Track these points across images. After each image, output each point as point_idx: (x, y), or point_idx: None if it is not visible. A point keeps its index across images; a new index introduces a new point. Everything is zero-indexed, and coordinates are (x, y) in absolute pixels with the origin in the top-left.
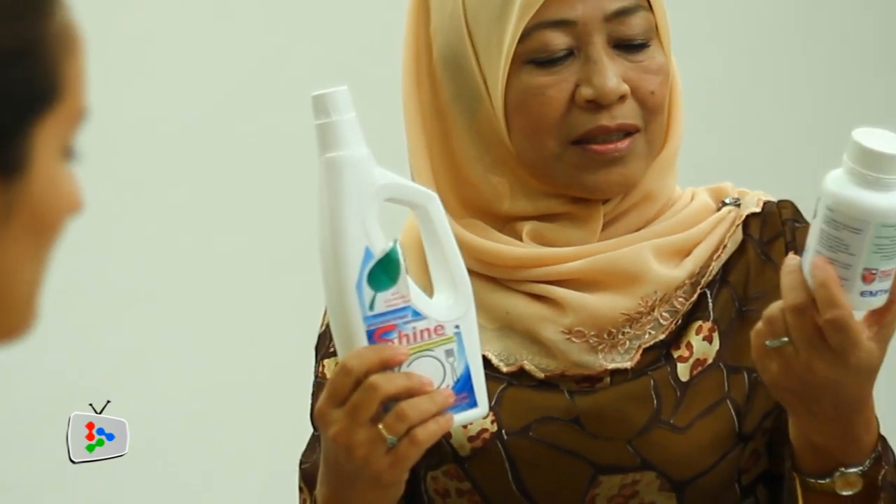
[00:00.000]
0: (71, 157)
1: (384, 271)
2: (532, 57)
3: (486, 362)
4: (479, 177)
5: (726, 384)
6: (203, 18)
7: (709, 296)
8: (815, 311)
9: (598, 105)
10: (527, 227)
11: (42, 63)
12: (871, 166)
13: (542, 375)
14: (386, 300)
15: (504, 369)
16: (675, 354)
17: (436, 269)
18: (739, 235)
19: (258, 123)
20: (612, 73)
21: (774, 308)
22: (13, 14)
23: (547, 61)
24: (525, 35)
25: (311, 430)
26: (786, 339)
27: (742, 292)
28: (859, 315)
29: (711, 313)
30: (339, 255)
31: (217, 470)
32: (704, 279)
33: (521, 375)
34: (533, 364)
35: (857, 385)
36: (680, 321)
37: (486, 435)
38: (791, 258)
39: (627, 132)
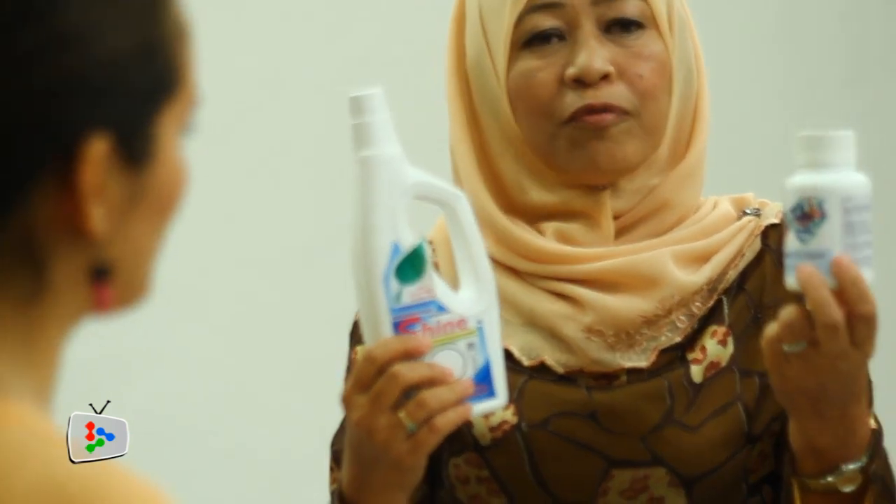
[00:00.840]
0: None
1: (411, 266)
2: (525, 39)
3: (509, 356)
4: (506, 173)
5: (738, 387)
6: (230, 20)
7: (725, 302)
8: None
9: (583, 84)
10: (550, 228)
11: (164, 56)
12: (845, 148)
13: (561, 370)
14: (412, 293)
15: (526, 363)
16: (690, 357)
17: (462, 265)
18: (758, 245)
19: (275, 122)
20: (597, 55)
21: (791, 314)
22: (138, 13)
23: (537, 44)
24: (519, 21)
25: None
26: (804, 343)
27: (758, 299)
28: None
29: (727, 319)
30: (368, 249)
31: (221, 466)
32: (721, 286)
33: (541, 370)
34: (553, 359)
35: (863, 373)
36: (696, 325)
37: (507, 426)
38: (808, 268)
39: (615, 113)
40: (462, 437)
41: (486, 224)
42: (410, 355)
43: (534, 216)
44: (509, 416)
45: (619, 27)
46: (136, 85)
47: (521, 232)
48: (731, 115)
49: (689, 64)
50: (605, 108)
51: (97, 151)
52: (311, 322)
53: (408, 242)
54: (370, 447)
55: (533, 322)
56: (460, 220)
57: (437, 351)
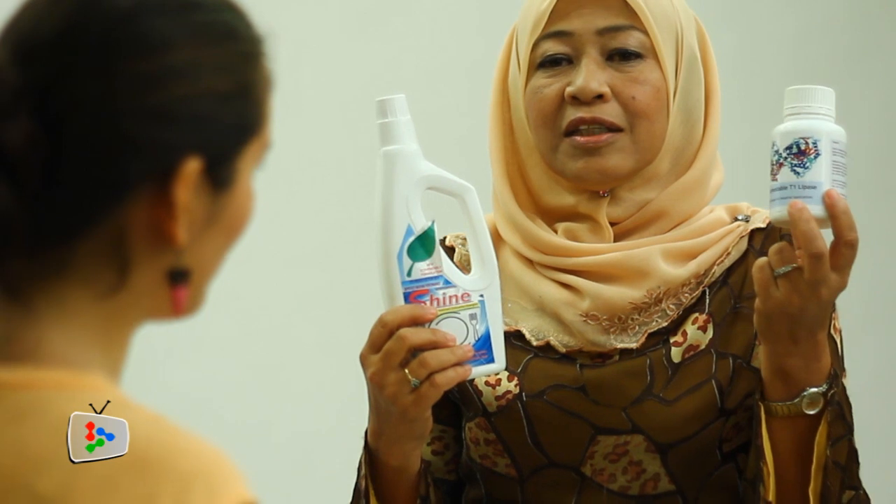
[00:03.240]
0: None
1: (421, 245)
2: (539, 62)
3: (521, 336)
4: (533, 178)
5: (714, 367)
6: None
7: (708, 294)
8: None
9: (580, 101)
10: (561, 227)
11: (254, 101)
12: (830, 102)
13: (563, 350)
14: (422, 269)
15: (534, 343)
16: (672, 340)
17: (470, 248)
18: (744, 246)
19: (296, 127)
20: (594, 77)
21: (782, 242)
22: (237, 61)
23: (548, 66)
24: (536, 45)
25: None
26: (793, 266)
27: (738, 292)
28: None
29: (708, 307)
30: (385, 230)
31: (247, 442)
32: (707, 279)
33: (546, 349)
34: (557, 340)
35: (832, 305)
36: (681, 313)
37: (510, 396)
38: (799, 204)
39: (608, 128)
40: (474, 404)
41: (508, 219)
42: (417, 321)
43: (551, 217)
44: (513, 387)
45: (620, 56)
46: (229, 120)
47: (533, 227)
48: None
49: (697, 93)
50: (594, 121)
51: (191, 171)
52: (330, 309)
53: (420, 225)
54: (381, 400)
55: (542, 308)
56: (469, 210)
57: (442, 319)
